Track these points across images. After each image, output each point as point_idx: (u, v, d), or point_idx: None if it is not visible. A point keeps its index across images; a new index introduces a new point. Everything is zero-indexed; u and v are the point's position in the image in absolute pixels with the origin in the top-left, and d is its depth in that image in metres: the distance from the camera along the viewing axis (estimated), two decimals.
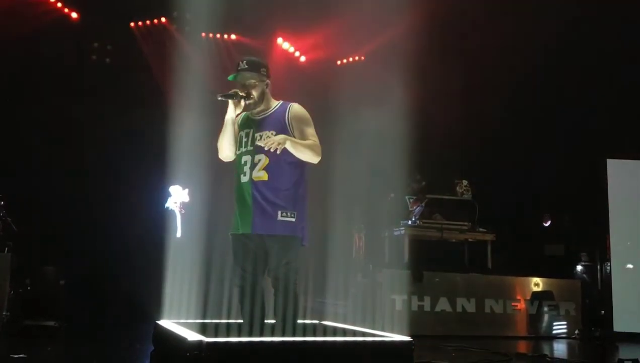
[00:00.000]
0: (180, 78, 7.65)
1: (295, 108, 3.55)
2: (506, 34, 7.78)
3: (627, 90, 7.70)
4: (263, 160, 3.43)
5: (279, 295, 3.38)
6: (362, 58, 9.78)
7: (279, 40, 9.47)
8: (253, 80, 3.53)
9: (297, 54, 9.72)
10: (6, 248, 5.94)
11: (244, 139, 3.54)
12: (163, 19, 8.88)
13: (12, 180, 6.96)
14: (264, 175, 3.43)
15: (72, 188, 7.77)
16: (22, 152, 7.71)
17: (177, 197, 6.61)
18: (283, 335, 3.27)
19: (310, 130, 3.51)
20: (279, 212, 3.39)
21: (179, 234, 6.47)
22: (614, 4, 7.42)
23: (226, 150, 3.57)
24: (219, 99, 3.53)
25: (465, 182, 7.60)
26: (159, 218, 6.92)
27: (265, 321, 3.46)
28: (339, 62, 9.83)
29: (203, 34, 9.06)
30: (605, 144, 7.71)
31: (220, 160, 3.66)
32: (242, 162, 3.50)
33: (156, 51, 8.69)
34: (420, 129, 7.36)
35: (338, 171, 6.74)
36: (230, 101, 3.55)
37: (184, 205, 6.59)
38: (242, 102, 3.53)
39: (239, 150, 3.55)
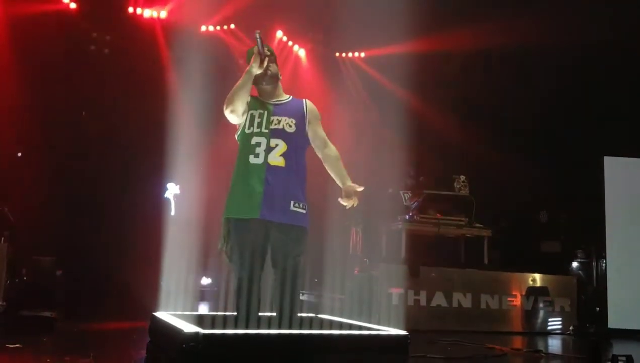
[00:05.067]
0: (179, 71, 7.67)
1: (311, 104, 3.54)
2: (505, 31, 7.78)
3: (625, 88, 7.71)
4: (281, 146, 3.32)
5: (285, 287, 3.26)
6: (362, 55, 9.78)
7: (278, 33, 9.46)
8: (273, 57, 3.48)
9: (295, 47, 9.70)
10: (2, 238, 5.93)
11: (257, 120, 3.37)
12: (162, 11, 8.84)
13: (8, 170, 6.95)
14: (281, 162, 3.30)
15: (69, 180, 7.77)
16: (19, 142, 7.69)
17: (172, 190, 8.34)
18: (287, 327, 3.19)
19: (321, 130, 3.50)
20: (292, 202, 3.29)
21: (173, 213, 8.17)
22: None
23: (239, 105, 3.33)
24: (257, 33, 3.35)
25: (462, 178, 7.60)
26: (158, 207, 8.06)
27: (266, 314, 3.36)
28: (337, 54, 9.82)
29: (202, 27, 9.03)
30: (602, 142, 7.72)
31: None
32: (254, 143, 3.33)
33: (154, 43, 8.67)
34: (418, 124, 7.37)
35: None
36: (257, 56, 3.36)
37: (176, 196, 8.32)
38: (264, 64, 3.38)
39: (249, 128, 3.37)
